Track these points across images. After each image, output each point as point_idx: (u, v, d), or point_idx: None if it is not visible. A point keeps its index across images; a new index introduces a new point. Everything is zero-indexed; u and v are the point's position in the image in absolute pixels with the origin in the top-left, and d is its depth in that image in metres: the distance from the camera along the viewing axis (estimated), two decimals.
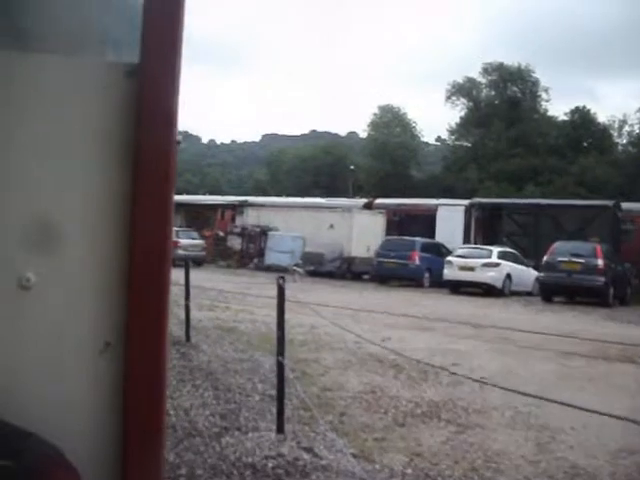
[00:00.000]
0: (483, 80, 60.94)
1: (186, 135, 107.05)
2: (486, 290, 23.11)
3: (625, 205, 29.21)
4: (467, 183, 52.27)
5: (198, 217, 36.83)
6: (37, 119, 1.79)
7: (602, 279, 20.81)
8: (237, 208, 36.00)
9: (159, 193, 1.83)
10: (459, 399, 7.30)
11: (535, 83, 59.57)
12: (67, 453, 1.64)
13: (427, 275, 25.90)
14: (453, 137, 62.89)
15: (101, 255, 1.81)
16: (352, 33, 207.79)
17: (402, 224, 32.47)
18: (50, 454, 1.62)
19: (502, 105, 58.63)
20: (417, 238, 27.12)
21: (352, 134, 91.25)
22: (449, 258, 24.32)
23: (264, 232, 31.35)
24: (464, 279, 23.48)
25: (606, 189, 47.48)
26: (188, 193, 46.74)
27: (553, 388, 8.36)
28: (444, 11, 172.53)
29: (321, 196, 41.95)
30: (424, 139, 67.95)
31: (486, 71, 60.59)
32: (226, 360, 8.26)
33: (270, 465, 4.74)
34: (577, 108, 59.46)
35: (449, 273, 23.79)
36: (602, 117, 60.74)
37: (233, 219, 35.48)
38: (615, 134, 60.14)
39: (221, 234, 33.95)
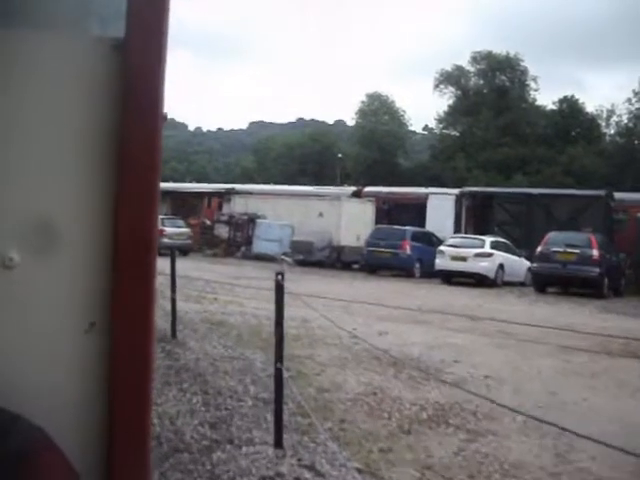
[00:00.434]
0: (472, 69, 60.51)
1: (172, 122, 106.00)
2: (478, 280, 22.65)
3: (618, 195, 28.86)
4: (455, 172, 51.97)
5: (184, 205, 36.09)
6: (18, 97, 1.75)
7: (597, 270, 20.42)
8: (224, 196, 35.27)
9: (145, 170, 1.79)
10: (466, 401, 6.81)
11: (524, 72, 59.16)
12: (53, 434, 1.62)
13: (418, 265, 25.37)
14: (441, 126, 62.44)
15: (86, 237, 1.78)
16: (340, 22, 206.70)
17: (391, 213, 31.99)
18: (36, 436, 1.61)
19: (490, 94, 58.22)
20: (408, 227, 26.57)
21: (339, 122, 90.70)
22: (441, 248, 23.82)
23: (252, 220, 30.72)
24: (456, 269, 23.00)
25: (594, 179, 47.39)
26: (174, 181, 45.97)
27: (559, 386, 7.93)
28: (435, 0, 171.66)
29: (309, 184, 41.36)
30: (411, 128, 67.60)
31: (475, 60, 60.13)
32: (215, 358, 7.71)
33: None
34: (565, 97, 59.20)
35: (441, 263, 23.29)
36: (590, 107, 60.36)
37: (220, 207, 34.77)
38: (603, 124, 59.97)
39: (208, 222, 33.24)
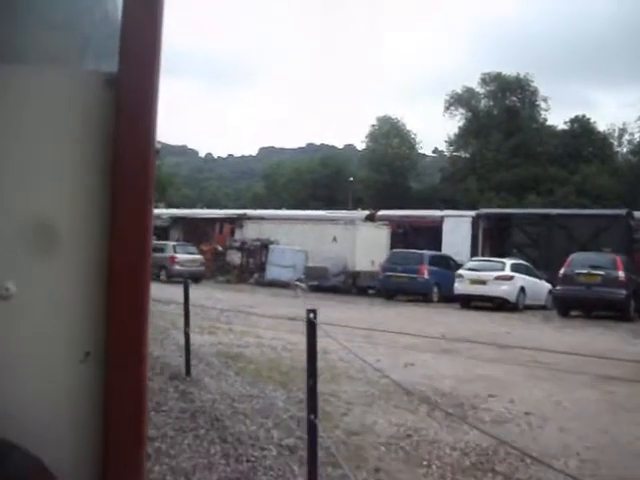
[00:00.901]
0: (481, 90, 60.23)
1: (184, 149, 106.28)
2: (498, 304, 21.97)
3: (638, 214, 28.19)
4: (467, 194, 51.48)
5: (196, 231, 35.63)
6: (14, 128, 1.78)
7: (624, 292, 19.67)
8: (236, 221, 34.79)
9: (138, 202, 1.82)
10: (509, 442, 6.16)
11: (534, 92, 58.85)
12: (47, 463, 1.63)
13: (436, 289, 24.71)
14: (451, 148, 62.11)
15: (80, 265, 1.80)
16: (346, 47, 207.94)
17: (406, 236, 31.45)
18: (33, 466, 1.62)
19: (501, 115, 57.97)
20: (425, 251, 25.96)
21: (349, 146, 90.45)
22: (460, 271, 23.14)
23: (265, 246, 30.17)
24: (476, 293, 22.32)
25: (607, 198, 46.82)
26: (185, 207, 45.63)
27: (607, 423, 7.27)
28: (440, 23, 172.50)
29: (320, 208, 40.85)
30: (421, 151, 67.20)
31: (484, 81, 59.98)
32: (233, 398, 7.08)
33: None
34: (577, 117, 58.96)
35: (460, 287, 22.61)
36: (601, 126, 59.77)
37: (232, 233, 34.26)
38: (615, 143, 59.47)
39: (220, 248, 32.71)
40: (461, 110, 60.55)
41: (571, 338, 15.07)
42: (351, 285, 27.56)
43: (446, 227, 29.99)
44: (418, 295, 24.75)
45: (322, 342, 10.65)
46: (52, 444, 1.72)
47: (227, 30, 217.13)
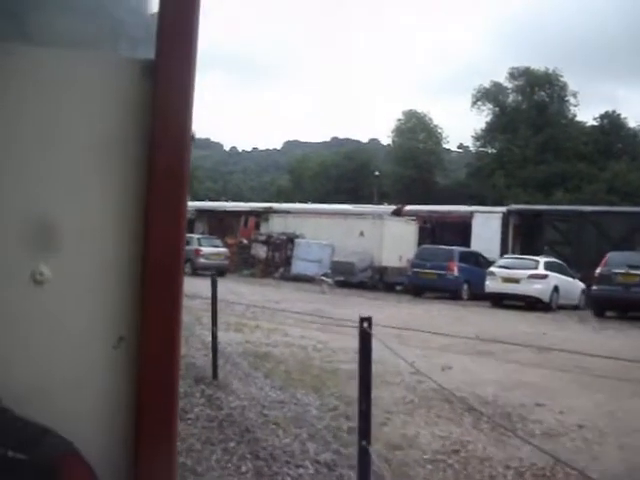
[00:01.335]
0: (509, 85, 59.13)
1: (208, 142, 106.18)
2: (530, 304, 21.25)
3: None
4: (494, 190, 50.58)
5: (221, 224, 35.25)
6: (52, 115, 1.77)
7: None
8: (261, 215, 34.34)
9: (173, 190, 1.81)
10: (568, 460, 5.60)
11: (563, 87, 57.59)
12: (81, 448, 1.63)
13: (465, 287, 24.04)
14: (478, 143, 61.11)
15: (115, 251, 1.80)
16: (373, 41, 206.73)
17: (434, 232, 30.78)
18: (65, 450, 1.62)
19: (529, 110, 56.76)
20: (455, 247, 25.27)
21: (374, 141, 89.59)
22: (492, 269, 22.44)
23: (290, 240, 29.68)
24: (508, 292, 21.59)
25: (638, 195, 45.72)
26: (210, 200, 45.30)
27: None
28: (468, 17, 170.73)
29: (346, 202, 40.23)
30: (446, 146, 66.30)
31: (512, 76, 58.82)
32: (263, 405, 6.59)
33: None
34: (606, 113, 57.63)
35: (492, 285, 21.92)
36: (632, 122, 58.24)
37: (257, 226, 33.80)
38: None
39: (245, 242, 32.30)
40: (488, 105, 59.50)
41: (612, 341, 14.38)
42: (378, 281, 26.95)
43: (475, 223, 29.25)
44: (447, 292, 24.08)
45: (353, 342, 10.16)
46: (85, 429, 1.73)
47: (255, 24, 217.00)
